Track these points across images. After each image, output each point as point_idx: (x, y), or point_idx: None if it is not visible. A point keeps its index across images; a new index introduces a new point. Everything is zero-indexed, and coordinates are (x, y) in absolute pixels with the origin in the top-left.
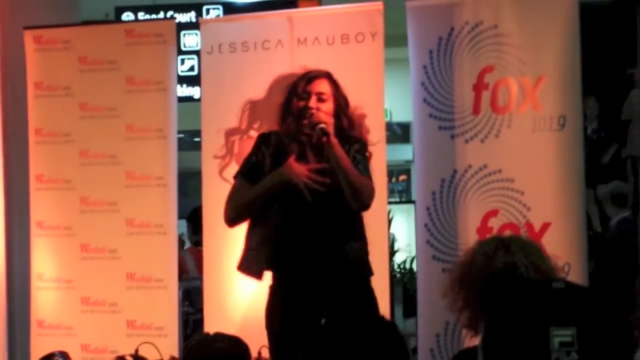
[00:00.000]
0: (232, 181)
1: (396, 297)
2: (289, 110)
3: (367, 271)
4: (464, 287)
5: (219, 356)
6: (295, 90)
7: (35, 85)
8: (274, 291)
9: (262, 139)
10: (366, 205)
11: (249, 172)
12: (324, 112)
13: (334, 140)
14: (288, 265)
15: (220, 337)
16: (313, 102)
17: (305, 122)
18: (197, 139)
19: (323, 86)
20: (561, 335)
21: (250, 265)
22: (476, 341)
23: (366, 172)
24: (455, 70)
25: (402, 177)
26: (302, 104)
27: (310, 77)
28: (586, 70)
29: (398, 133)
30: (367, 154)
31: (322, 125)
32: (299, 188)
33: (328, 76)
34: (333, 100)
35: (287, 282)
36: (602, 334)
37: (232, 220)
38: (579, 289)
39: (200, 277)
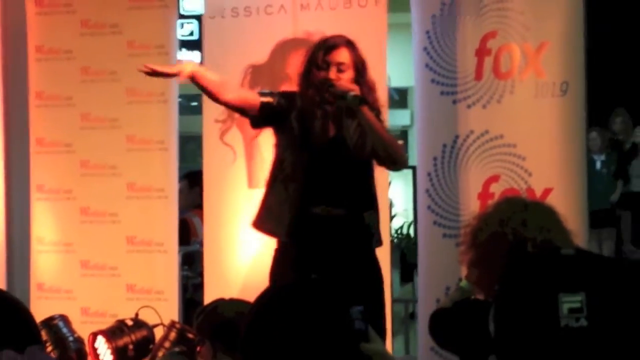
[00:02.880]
0: (233, 146)
1: (393, 262)
2: (308, 81)
3: (379, 240)
4: (475, 245)
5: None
6: (315, 61)
7: (36, 48)
8: (282, 255)
9: (288, 96)
10: (404, 162)
11: (266, 106)
12: (344, 80)
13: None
14: (306, 234)
15: (237, 303)
16: (333, 74)
17: (327, 94)
18: (194, 103)
19: (343, 55)
20: (570, 302)
21: (267, 225)
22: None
23: None
24: (458, 35)
25: (399, 143)
26: (322, 74)
27: (329, 46)
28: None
29: (395, 98)
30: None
31: (355, 93)
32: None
33: (348, 44)
34: (353, 69)
35: (302, 249)
36: (612, 300)
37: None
38: (589, 255)
39: (200, 241)
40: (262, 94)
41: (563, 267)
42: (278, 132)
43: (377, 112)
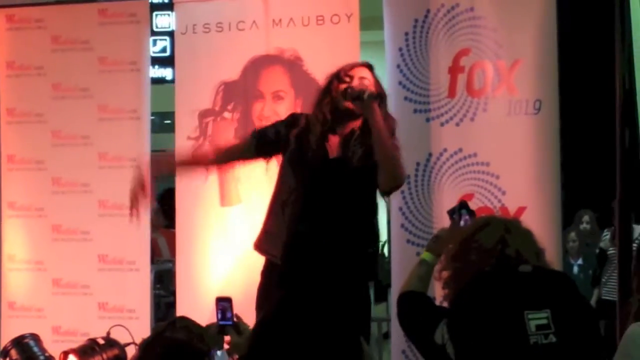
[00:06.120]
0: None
1: None
2: (328, 91)
3: (374, 276)
4: (453, 267)
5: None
6: (337, 75)
7: (7, 64)
8: (269, 273)
9: (292, 118)
10: (400, 184)
11: (259, 137)
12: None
13: (377, 108)
14: (296, 255)
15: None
16: (356, 83)
17: (350, 91)
18: (167, 121)
19: (365, 72)
20: (537, 319)
21: (268, 248)
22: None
23: None
24: (431, 52)
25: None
26: (343, 85)
27: (351, 65)
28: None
29: None
30: None
31: (372, 91)
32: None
33: (369, 66)
34: (375, 88)
35: (291, 269)
36: (576, 315)
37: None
38: (547, 271)
39: (172, 260)
40: (253, 132)
41: (524, 285)
42: (282, 154)
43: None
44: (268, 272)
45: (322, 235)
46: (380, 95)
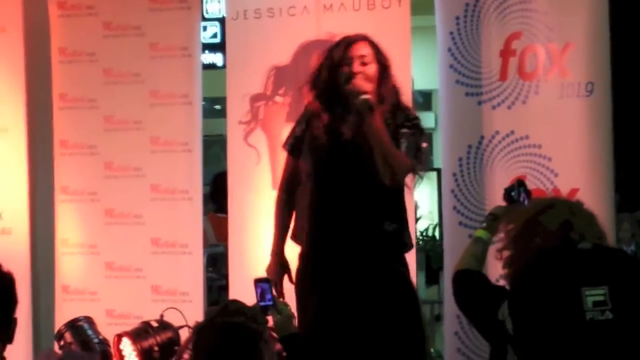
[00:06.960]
0: (257, 147)
1: (419, 264)
2: (328, 78)
3: (403, 247)
4: (514, 248)
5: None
6: (334, 57)
7: (59, 51)
8: (305, 261)
9: (307, 112)
10: (395, 181)
11: (291, 146)
12: (367, 75)
13: (376, 111)
14: (322, 245)
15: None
16: (356, 67)
17: (349, 87)
18: (217, 107)
19: (364, 49)
20: (594, 295)
21: (296, 235)
22: None
23: (411, 148)
24: (482, 36)
25: (424, 145)
26: (345, 69)
27: (348, 41)
28: None
29: (419, 101)
30: (416, 129)
31: (367, 97)
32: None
33: (367, 38)
34: (376, 63)
35: (321, 258)
36: (635, 292)
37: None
38: (606, 249)
39: (218, 244)
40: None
41: (583, 262)
42: None
43: (412, 119)
44: (303, 260)
45: (346, 222)
46: (371, 106)
